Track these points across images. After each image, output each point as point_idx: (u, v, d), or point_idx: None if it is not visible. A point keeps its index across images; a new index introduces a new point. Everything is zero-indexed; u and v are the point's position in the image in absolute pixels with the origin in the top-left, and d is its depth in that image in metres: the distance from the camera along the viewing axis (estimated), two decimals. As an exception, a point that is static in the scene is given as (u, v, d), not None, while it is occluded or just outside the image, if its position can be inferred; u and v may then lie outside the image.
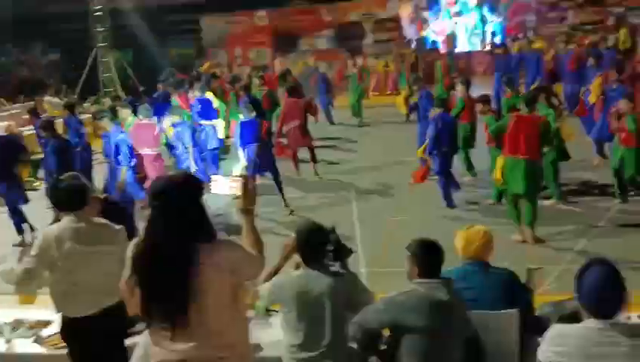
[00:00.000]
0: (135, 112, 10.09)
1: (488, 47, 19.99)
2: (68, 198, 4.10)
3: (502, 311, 3.79)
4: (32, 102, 16.45)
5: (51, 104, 16.87)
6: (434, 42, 22.43)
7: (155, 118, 10.11)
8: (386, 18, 23.66)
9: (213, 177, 3.30)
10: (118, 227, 4.14)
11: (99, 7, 20.38)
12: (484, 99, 9.25)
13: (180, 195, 2.87)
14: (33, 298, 4.84)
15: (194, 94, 12.06)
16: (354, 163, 12.13)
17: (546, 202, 8.45)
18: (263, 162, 9.34)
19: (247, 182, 3.18)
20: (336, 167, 11.88)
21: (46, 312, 4.56)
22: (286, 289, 3.71)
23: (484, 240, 4.05)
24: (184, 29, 24.95)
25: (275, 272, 3.93)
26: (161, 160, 9.64)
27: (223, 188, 3.21)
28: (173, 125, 9.97)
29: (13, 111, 16.80)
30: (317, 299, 3.64)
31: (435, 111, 9.09)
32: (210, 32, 24.61)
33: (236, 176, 3.25)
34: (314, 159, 11.20)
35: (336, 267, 3.93)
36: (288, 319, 3.73)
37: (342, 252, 4.02)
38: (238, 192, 3.14)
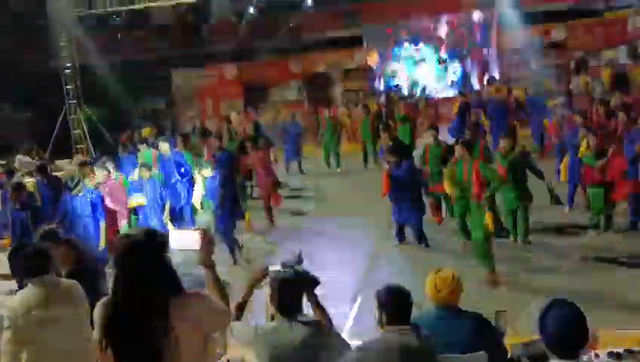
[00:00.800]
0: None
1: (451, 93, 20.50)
2: (27, 267, 4.04)
3: (471, 353, 3.86)
4: (4, 162, 16.35)
5: (21, 163, 16.76)
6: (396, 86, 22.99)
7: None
8: (354, 68, 24.13)
9: (172, 232, 3.34)
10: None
11: (69, 64, 20.47)
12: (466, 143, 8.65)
13: (144, 253, 2.86)
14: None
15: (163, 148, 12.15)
16: (326, 210, 12.26)
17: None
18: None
19: (205, 236, 3.26)
20: (309, 215, 12.06)
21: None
22: (260, 341, 3.73)
23: (452, 286, 4.10)
24: (155, 84, 25.15)
25: (243, 304, 3.96)
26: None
27: (182, 243, 3.26)
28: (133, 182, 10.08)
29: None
30: (291, 351, 3.66)
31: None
32: (181, 86, 24.84)
33: (195, 230, 3.31)
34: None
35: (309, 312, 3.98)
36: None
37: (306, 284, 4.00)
38: (197, 247, 3.21)
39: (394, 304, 3.62)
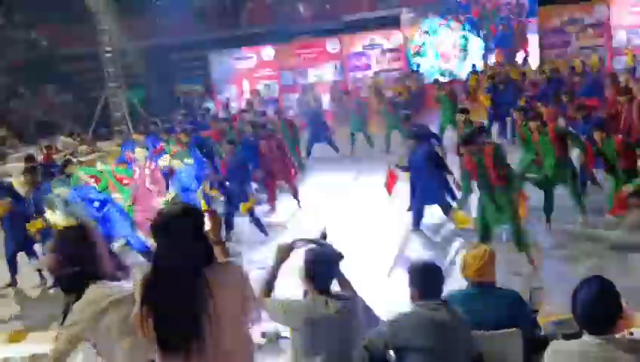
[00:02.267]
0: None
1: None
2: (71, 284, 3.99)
3: (504, 330, 3.85)
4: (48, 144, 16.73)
5: (65, 144, 17.16)
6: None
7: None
8: (392, 48, 23.96)
9: None
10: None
11: (109, 48, 20.75)
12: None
13: (183, 227, 2.98)
14: (23, 335, 5.19)
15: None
16: (351, 196, 12.14)
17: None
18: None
19: (213, 215, 3.36)
20: (337, 197, 11.98)
21: (39, 347, 4.55)
22: (296, 316, 3.79)
23: (482, 262, 4.08)
24: (193, 66, 25.39)
25: (272, 279, 4.02)
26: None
27: None
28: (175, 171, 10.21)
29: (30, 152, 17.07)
30: (326, 325, 3.71)
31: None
32: (218, 68, 24.99)
33: (204, 211, 3.42)
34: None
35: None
36: (298, 345, 3.81)
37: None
38: (206, 226, 3.28)
39: (425, 279, 3.64)
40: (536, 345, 3.92)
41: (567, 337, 3.91)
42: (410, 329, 3.50)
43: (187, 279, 2.91)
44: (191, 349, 2.86)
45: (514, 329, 3.83)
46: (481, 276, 4.09)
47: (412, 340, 3.48)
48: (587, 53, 21.07)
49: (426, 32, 23.48)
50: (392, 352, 3.52)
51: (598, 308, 2.88)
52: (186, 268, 2.93)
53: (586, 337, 2.93)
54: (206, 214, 3.35)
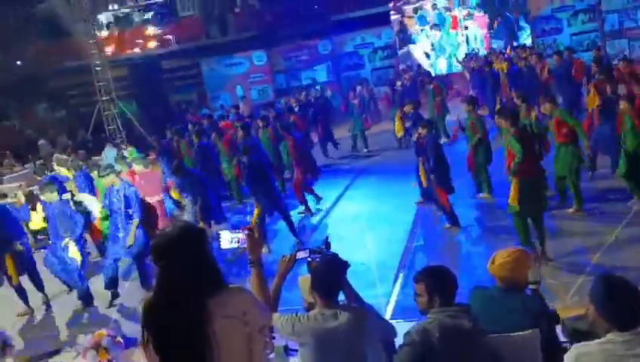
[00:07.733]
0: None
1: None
2: None
3: (523, 332, 3.67)
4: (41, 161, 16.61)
5: (59, 161, 16.98)
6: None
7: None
8: (383, 46, 23.88)
9: (220, 233, 3.26)
10: None
11: (99, 61, 20.57)
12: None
13: (182, 250, 2.76)
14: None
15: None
16: (361, 193, 12.12)
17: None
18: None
19: (253, 232, 3.20)
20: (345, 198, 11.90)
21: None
22: (304, 331, 3.65)
23: (511, 259, 3.86)
24: (185, 75, 25.24)
25: (276, 293, 3.83)
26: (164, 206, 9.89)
27: (229, 243, 3.21)
28: None
29: (23, 172, 16.99)
30: (336, 337, 3.58)
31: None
32: (211, 76, 24.83)
33: (243, 229, 3.25)
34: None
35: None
36: (308, 360, 3.68)
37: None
38: (244, 244, 3.18)
39: (440, 286, 3.48)
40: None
41: (578, 333, 3.78)
42: (431, 341, 3.30)
43: (186, 311, 2.68)
44: None
45: (533, 330, 3.66)
46: (502, 275, 3.87)
47: (436, 351, 3.30)
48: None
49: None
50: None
51: (632, 306, 2.83)
52: (186, 299, 2.70)
53: (613, 335, 2.84)
54: (244, 232, 3.19)
